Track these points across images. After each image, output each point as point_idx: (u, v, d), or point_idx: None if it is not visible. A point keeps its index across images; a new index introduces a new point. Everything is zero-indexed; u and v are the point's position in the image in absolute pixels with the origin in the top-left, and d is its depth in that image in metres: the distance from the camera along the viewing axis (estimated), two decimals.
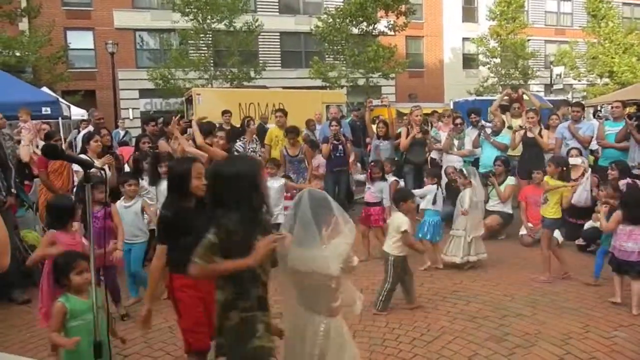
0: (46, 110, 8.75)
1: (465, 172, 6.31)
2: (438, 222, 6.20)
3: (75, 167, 5.98)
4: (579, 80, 26.90)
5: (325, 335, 2.65)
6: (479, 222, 6.18)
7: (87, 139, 6.22)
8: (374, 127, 9.01)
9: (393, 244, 4.78)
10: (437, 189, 6.30)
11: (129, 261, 4.97)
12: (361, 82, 21.38)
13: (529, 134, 7.90)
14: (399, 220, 4.83)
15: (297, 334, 2.67)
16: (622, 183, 5.47)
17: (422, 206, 6.37)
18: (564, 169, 5.96)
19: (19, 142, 7.30)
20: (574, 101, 11.89)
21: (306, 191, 2.67)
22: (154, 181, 5.78)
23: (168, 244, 3.06)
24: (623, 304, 4.82)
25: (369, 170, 6.92)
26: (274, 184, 6.55)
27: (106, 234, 4.16)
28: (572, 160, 7.13)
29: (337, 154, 8.45)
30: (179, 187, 3.13)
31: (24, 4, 19.99)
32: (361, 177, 7.87)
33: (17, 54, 17.73)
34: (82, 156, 5.66)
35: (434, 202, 6.20)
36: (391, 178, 6.77)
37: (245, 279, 2.48)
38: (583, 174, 6.90)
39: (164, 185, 5.35)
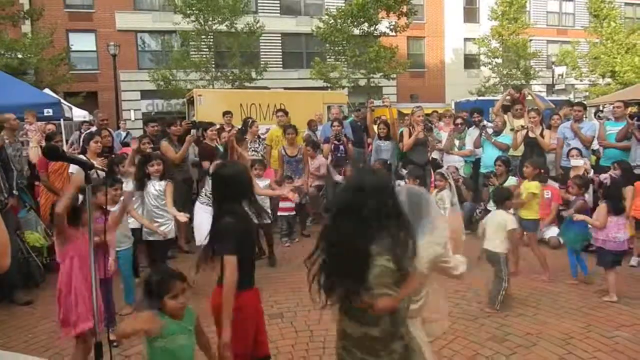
0: (48, 112, 8.75)
1: (445, 174, 6.28)
2: None
3: (71, 168, 5.92)
4: (581, 81, 26.83)
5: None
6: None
7: (87, 139, 6.22)
8: (375, 127, 8.99)
9: (501, 242, 4.81)
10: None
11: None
12: (362, 82, 21.36)
13: (531, 134, 7.89)
14: (502, 218, 4.87)
15: None
16: (604, 177, 5.55)
17: None
18: (541, 170, 6.06)
19: (22, 143, 7.32)
20: (575, 101, 11.88)
21: (405, 188, 2.61)
22: (142, 183, 5.38)
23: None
24: (623, 304, 4.83)
25: (343, 170, 6.88)
26: (260, 184, 6.54)
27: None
28: (573, 162, 7.13)
29: (339, 154, 8.46)
30: (242, 193, 2.90)
31: (26, 7, 20.01)
32: (339, 177, 7.85)
33: (20, 56, 17.77)
34: (82, 157, 5.67)
35: None
36: None
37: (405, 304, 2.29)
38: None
39: (155, 186, 5.30)
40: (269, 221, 6.73)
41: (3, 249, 1.75)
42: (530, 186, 5.87)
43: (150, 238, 5.22)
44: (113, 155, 5.89)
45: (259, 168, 6.74)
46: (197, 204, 5.52)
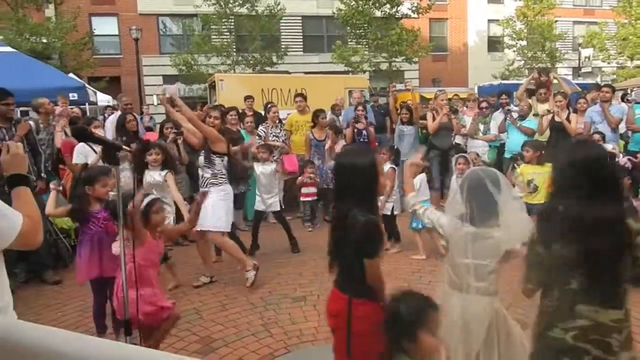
0: (73, 96, 8.92)
1: (468, 158, 6.14)
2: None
3: (75, 159, 6.03)
4: (609, 63, 26.13)
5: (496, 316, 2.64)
6: None
7: (87, 124, 6.25)
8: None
9: None
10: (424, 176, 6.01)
11: None
12: (384, 66, 21.15)
13: (557, 119, 7.73)
14: None
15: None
16: (624, 161, 5.52)
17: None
18: (542, 153, 5.91)
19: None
20: (603, 84, 11.61)
21: (479, 169, 2.61)
22: (140, 171, 5.33)
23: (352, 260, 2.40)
24: None
25: (335, 155, 6.82)
26: (266, 169, 6.47)
27: (106, 239, 3.91)
28: None
29: (361, 139, 8.41)
30: (367, 188, 2.40)
31: None
32: (332, 163, 7.74)
33: (44, 40, 17.98)
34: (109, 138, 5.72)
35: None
36: (387, 166, 6.53)
37: None
38: None
39: (155, 176, 5.27)
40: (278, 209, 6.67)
41: (37, 227, 1.81)
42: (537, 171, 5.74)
43: None
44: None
45: (263, 152, 6.62)
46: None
